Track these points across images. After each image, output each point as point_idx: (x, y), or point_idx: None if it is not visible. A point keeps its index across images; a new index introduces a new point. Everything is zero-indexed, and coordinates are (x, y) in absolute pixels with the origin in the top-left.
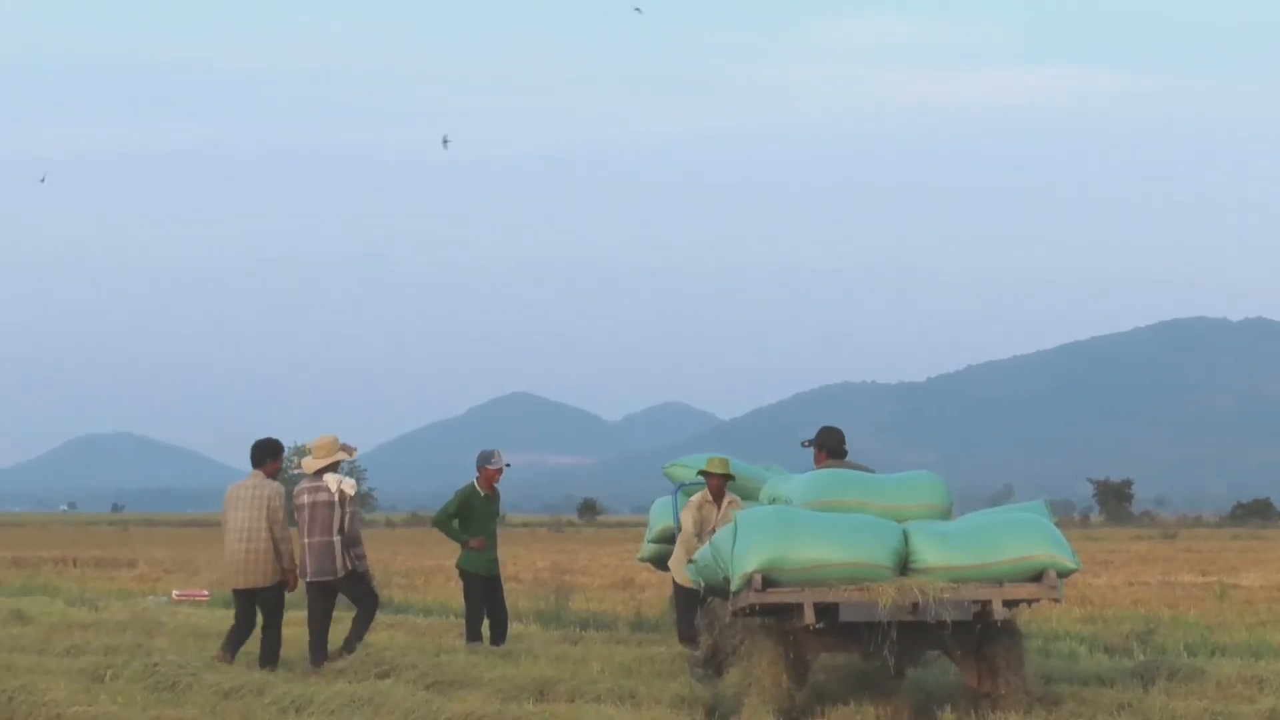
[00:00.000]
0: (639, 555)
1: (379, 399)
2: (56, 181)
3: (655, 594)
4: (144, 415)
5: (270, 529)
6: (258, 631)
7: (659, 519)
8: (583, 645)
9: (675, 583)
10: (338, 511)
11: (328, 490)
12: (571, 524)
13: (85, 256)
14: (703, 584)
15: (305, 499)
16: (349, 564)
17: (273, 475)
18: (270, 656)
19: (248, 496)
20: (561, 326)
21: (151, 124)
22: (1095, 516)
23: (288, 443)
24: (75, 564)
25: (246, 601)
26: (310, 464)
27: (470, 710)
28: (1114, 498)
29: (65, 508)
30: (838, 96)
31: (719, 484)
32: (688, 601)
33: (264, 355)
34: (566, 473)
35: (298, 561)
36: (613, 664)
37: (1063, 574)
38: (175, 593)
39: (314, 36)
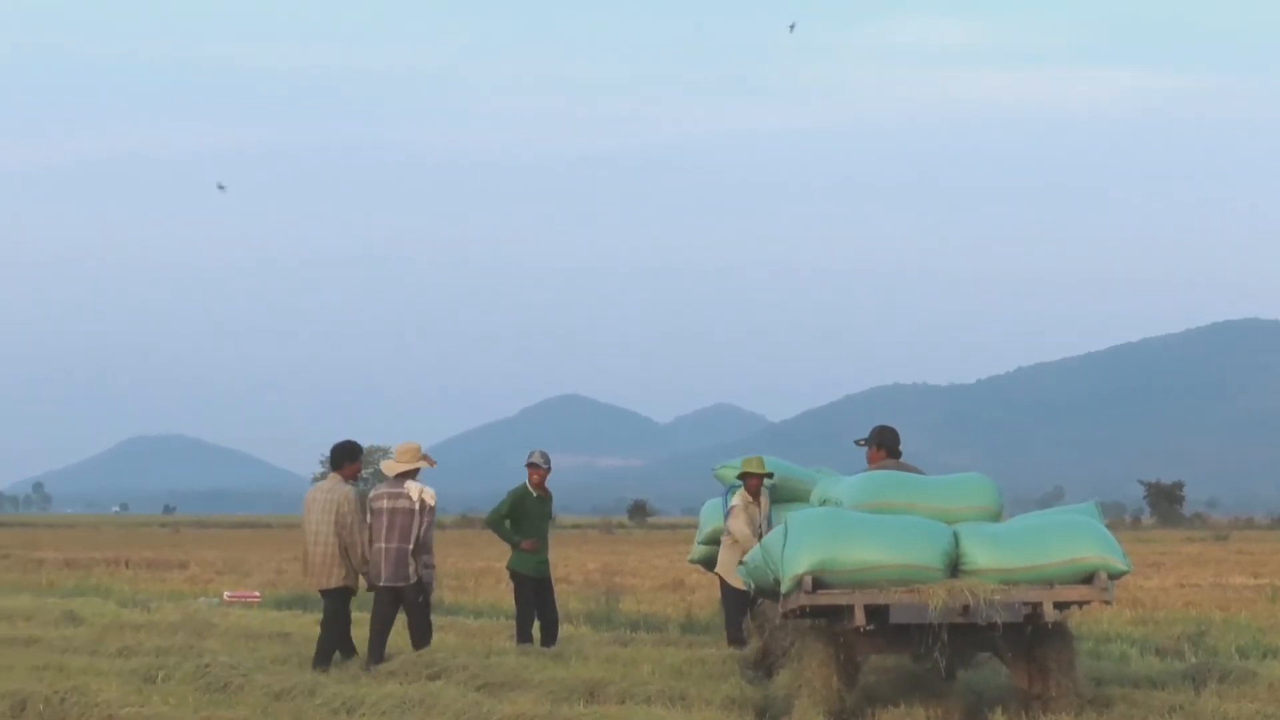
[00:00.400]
0: (689, 557)
1: (431, 400)
2: (107, 182)
3: (706, 596)
4: (195, 417)
5: (338, 533)
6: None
7: (709, 521)
8: (633, 647)
9: (724, 584)
10: (417, 520)
11: (408, 498)
12: (622, 525)
13: (137, 259)
14: (753, 586)
15: (385, 504)
16: (419, 572)
17: (351, 478)
18: (322, 658)
19: (322, 499)
20: (612, 329)
21: (204, 123)
22: (1146, 518)
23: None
24: (127, 565)
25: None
26: (391, 466)
27: (521, 712)
28: (1165, 500)
29: (117, 509)
30: (889, 98)
31: (757, 484)
32: (737, 603)
33: (315, 357)
34: (617, 474)
35: (368, 565)
36: (663, 666)
37: (1114, 576)
38: (227, 594)
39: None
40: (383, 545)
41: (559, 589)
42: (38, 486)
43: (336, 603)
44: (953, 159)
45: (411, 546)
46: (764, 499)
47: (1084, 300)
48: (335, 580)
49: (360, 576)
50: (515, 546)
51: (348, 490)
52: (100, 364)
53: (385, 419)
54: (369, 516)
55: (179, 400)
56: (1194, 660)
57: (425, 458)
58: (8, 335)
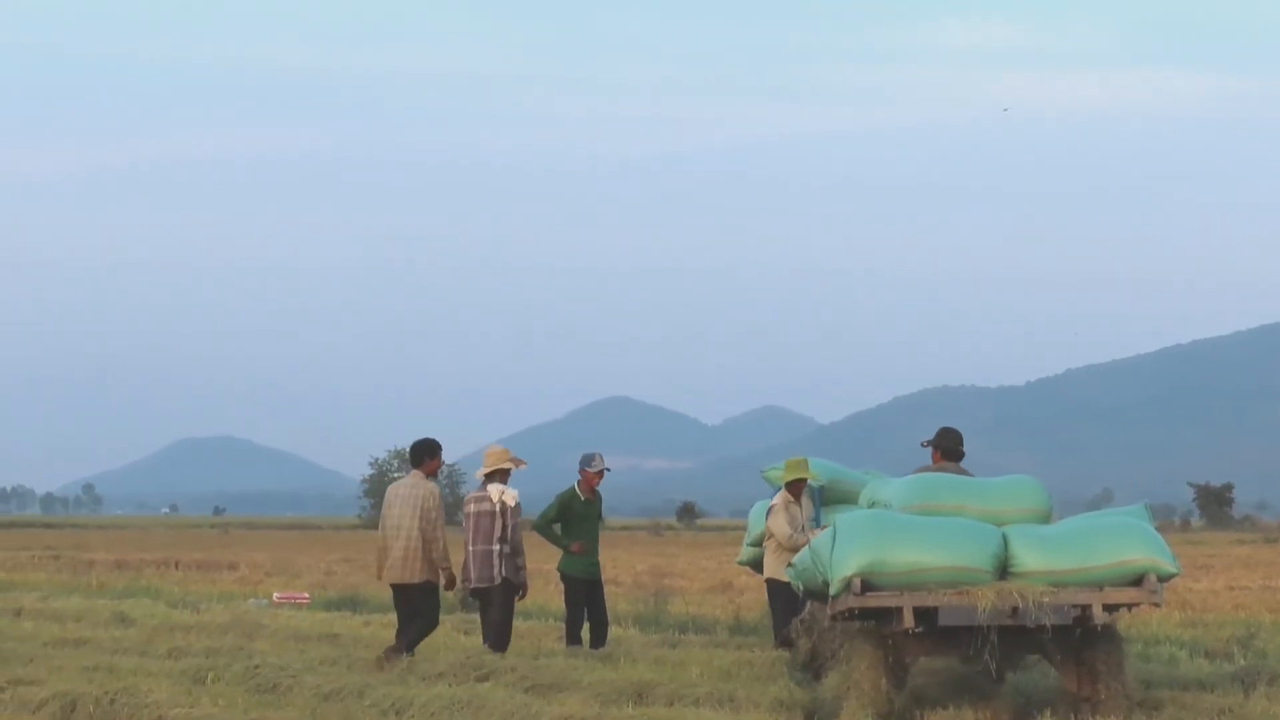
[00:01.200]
0: (738, 559)
1: (479, 402)
2: (154, 187)
3: (754, 597)
4: (245, 419)
5: (422, 529)
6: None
7: (758, 522)
8: (681, 649)
9: (772, 586)
10: (499, 521)
11: (490, 500)
12: (670, 527)
13: (188, 262)
14: (801, 588)
15: (471, 508)
16: (504, 572)
17: (431, 474)
18: (403, 647)
19: (405, 495)
20: (660, 330)
21: (265, 127)
22: (1196, 521)
23: (388, 447)
24: (177, 566)
25: (401, 597)
26: (480, 472)
27: (569, 713)
28: (1214, 502)
29: (167, 511)
30: (930, 100)
31: (801, 485)
32: (786, 605)
33: (364, 360)
34: (665, 476)
35: (460, 567)
36: (711, 668)
37: (1163, 578)
38: (276, 595)
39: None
40: (470, 548)
41: (608, 591)
42: (88, 488)
43: (423, 597)
44: (999, 160)
45: (496, 548)
46: (805, 501)
47: (1133, 302)
48: (417, 576)
49: (442, 573)
50: (565, 549)
51: (432, 486)
52: (151, 366)
53: (433, 421)
54: (463, 520)
55: (229, 402)
56: (1243, 663)
57: (513, 460)
58: (59, 338)
